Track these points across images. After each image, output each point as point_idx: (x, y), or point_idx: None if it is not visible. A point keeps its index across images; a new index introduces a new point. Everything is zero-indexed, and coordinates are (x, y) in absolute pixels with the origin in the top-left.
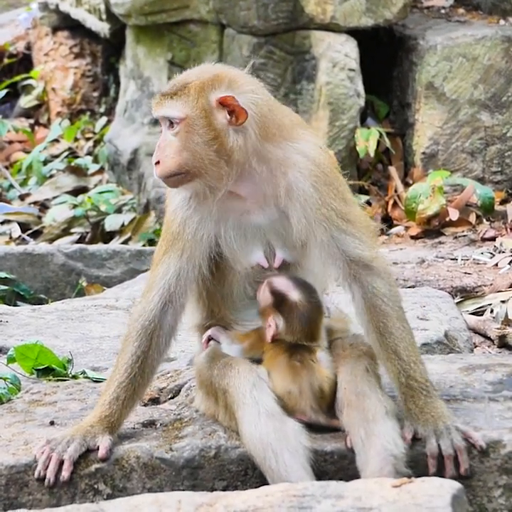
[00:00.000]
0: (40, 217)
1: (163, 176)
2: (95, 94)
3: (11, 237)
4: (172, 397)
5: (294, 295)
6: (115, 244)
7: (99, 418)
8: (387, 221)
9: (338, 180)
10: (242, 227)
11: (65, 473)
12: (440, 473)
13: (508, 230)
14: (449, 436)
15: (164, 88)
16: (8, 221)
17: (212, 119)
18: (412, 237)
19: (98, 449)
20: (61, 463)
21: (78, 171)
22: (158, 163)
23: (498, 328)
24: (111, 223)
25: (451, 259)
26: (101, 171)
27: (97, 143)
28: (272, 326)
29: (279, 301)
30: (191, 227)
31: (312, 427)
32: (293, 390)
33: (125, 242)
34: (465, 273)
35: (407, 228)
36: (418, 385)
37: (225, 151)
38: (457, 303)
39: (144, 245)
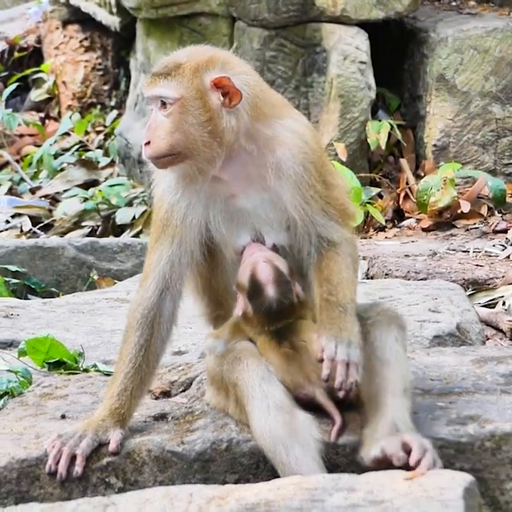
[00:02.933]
0: (51, 211)
1: (153, 156)
2: (106, 87)
3: (21, 231)
4: (183, 390)
5: (270, 291)
6: (126, 237)
7: (109, 411)
8: (399, 214)
9: (324, 159)
10: (228, 212)
11: (78, 469)
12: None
13: None
14: (348, 347)
15: (156, 68)
16: (19, 214)
17: (207, 100)
18: (424, 230)
19: (109, 443)
20: (73, 457)
21: (89, 165)
22: (148, 143)
23: (510, 321)
24: (122, 216)
25: (463, 251)
26: (112, 164)
27: (107, 136)
28: (240, 304)
29: (254, 292)
30: (179, 212)
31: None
32: (290, 369)
33: (136, 236)
34: (477, 265)
35: (418, 221)
36: (337, 301)
37: (217, 133)
38: (469, 295)
39: None
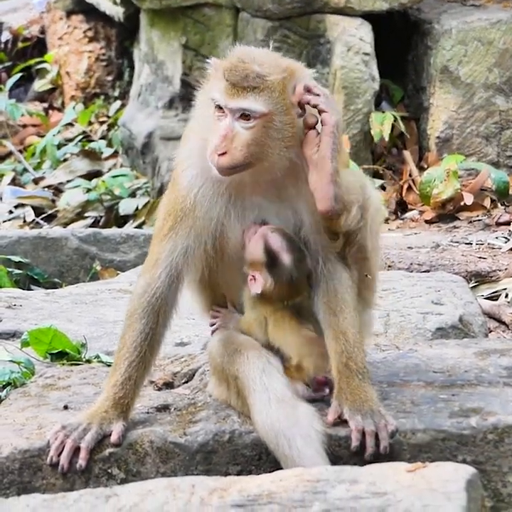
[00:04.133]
0: (54, 201)
1: (227, 166)
2: (109, 78)
3: (24, 221)
4: (186, 382)
5: (286, 258)
6: (129, 228)
7: (113, 401)
8: (402, 205)
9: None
10: (244, 210)
11: (82, 462)
12: (363, 449)
13: None
14: (372, 416)
15: (238, 78)
16: (22, 205)
17: (291, 116)
18: (427, 222)
19: (111, 434)
20: (76, 450)
21: (92, 155)
22: (223, 153)
23: None
24: (125, 207)
25: (466, 243)
26: (115, 155)
27: (111, 127)
28: (259, 281)
29: (272, 262)
30: (203, 205)
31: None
32: (312, 352)
33: (139, 226)
34: (480, 257)
35: (421, 213)
36: (356, 368)
37: (294, 146)
38: (472, 287)
39: None
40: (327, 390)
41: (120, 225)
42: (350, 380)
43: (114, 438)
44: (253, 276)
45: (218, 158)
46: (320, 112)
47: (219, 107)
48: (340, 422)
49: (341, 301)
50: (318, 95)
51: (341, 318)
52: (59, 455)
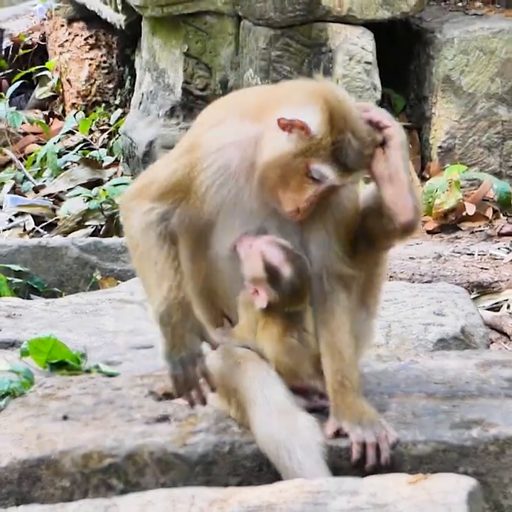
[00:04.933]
0: (54, 210)
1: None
2: (110, 85)
3: (24, 230)
4: None
5: (287, 271)
6: None
7: (179, 307)
8: None
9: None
10: (252, 204)
11: (212, 386)
12: (363, 461)
13: None
14: (372, 428)
15: (355, 163)
16: (22, 213)
17: None
18: (429, 232)
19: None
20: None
21: (93, 164)
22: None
23: None
24: None
25: (468, 254)
26: (116, 163)
27: (112, 135)
28: (263, 296)
29: (273, 277)
30: (216, 192)
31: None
32: (288, 361)
33: None
34: (482, 268)
35: (423, 223)
36: (352, 386)
37: None
38: (474, 298)
39: None
40: (317, 399)
41: (121, 234)
42: (345, 397)
43: (215, 347)
44: (255, 290)
45: (295, 215)
46: (384, 127)
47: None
48: (340, 435)
49: (338, 320)
50: (377, 113)
51: (337, 337)
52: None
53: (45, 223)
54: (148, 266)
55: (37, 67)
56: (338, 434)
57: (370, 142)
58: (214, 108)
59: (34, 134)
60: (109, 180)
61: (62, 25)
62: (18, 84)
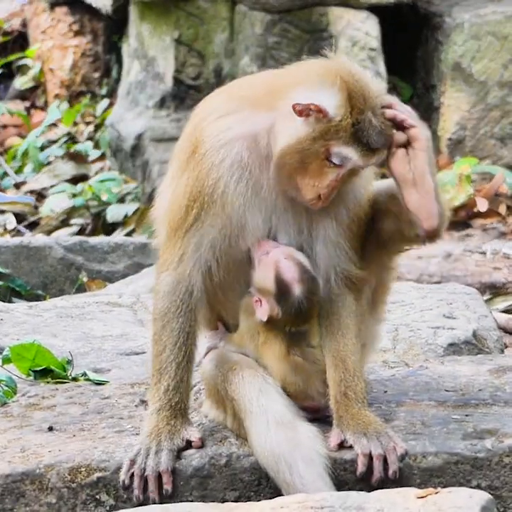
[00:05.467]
0: (37, 208)
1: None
2: (96, 75)
3: (5, 229)
4: None
5: (298, 290)
6: (118, 236)
7: (170, 409)
8: None
9: None
10: (267, 209)
11: (168, 487)
12: (370, 474)
13: None
14: (378, 439)
15: (379, 143)
16: (3, 211)
17: None
18: None
19: (188, 443)
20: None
21: (78, 158)
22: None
23: None
24: (113, 214)
25: (480, 253)
26: (102, 157)
27: (98, 127)
28: (265, 308)
29: (282, 293)
30: (234, 196)
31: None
32: (296, 381)
33: (128, 235)
34: (494, 268)
35: None
36: (355, 397)
37: None
38: (486, 300)
39: (148, 238)
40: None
41: (108, 233)
42: (349, 408)
43: (196, 444)
44: (259, 300)
45: (316, 203)
46: (409, 127)
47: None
48: (345, 447)
49: (343, 325)
50: (402, 111)
51: (342, 343)
52: (144, 492)
53: (27, 222)
54: (157, 351)
55: (17, 55)
56: (343, 445)
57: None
58: (216, 98)
59: (15, 126)
60: (95, 176)
61: (44, 11)
62: None
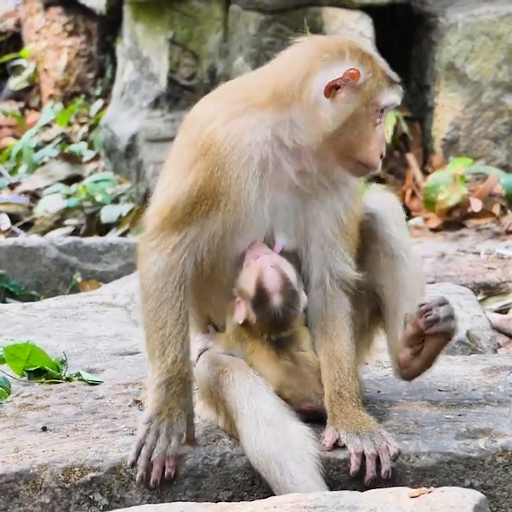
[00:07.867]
0: (31, 208)
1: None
2: (90, 75)
3: None
4: None
5: (276, 301)
6: (112, 237)
7: (181, 382)
8: (405, 212)
9: None
10: (274, 204)
11: (171, 471)
12: (363, 473)
13: None
14: (371, 438)
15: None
16: None
17: None
18: (432, 230)
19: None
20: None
21: (72, 158)
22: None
23: None
24: (107, 214)
25: (474, 253)
26: (96, 158)
27: (92, 128)
28: (242, 311)
29: (259, 301)
30: (247, 192)
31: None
32: (291, 384)
33: (123, 235)
34: (488, 268)
35: (426, 220)
36: (350, 396)
37: None
38: (480, 300)
39: None
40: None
41: (102, 234)
42: (343, 407)
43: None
44: (239, 302)
45: (380, 162)
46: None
47: (381, 111)
48: (338, 446)
49: (339, 326)
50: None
51: (337, 344)
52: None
53: (22, 222)
54: (155, 327)
55: (11, 55)
56: (336, 445)
57: None
58: (215, 101)
59: (9, 127)
60: (89, 177)
61: (38, 11)
62: None
